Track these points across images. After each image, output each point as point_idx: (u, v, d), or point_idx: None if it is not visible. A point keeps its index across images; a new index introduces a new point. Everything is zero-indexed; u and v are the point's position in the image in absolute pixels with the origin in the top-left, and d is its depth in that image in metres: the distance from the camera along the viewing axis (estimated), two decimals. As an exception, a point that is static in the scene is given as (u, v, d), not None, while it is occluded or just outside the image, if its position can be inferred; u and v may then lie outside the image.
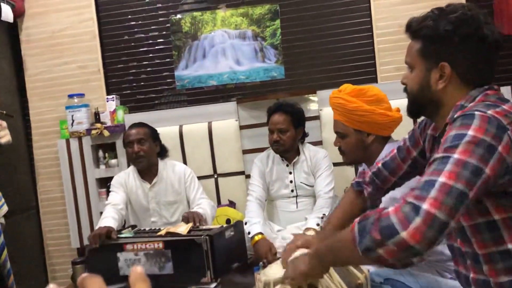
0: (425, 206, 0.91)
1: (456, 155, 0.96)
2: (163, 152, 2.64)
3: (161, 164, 2.59)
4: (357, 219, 1.01)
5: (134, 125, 2.58)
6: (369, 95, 1.81)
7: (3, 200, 2.55)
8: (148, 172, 2.56)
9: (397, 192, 1.65)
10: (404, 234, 0.91)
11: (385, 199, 1.51)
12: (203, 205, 2.47)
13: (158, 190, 2.55)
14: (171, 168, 2.60)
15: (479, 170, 0.95)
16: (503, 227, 1.07)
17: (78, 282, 0.45)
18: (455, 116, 1.05)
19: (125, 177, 2.58)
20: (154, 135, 2.58)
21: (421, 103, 1.20)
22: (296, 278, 1.16)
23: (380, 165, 1.43)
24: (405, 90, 1.23)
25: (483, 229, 1.09)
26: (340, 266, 1.23)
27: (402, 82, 1.24)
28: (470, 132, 0.98)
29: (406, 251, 0.92)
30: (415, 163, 1.36)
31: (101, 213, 2.55)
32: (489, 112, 1.01)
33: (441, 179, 0.94)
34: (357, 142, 1.83)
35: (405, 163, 1.37)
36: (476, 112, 1.01)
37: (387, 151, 1.83)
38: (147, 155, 2.50)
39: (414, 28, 1.17)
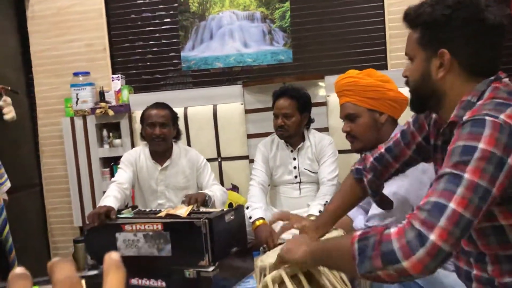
0: (432, 237, 0.88)
1: (467, 175, 0.92)
2: (178, 136, 2.60)
3: (175, 148, 2.55)
4: (357, 234, 0.98)
5: (158, 105, 2.51)
6: (378, 74, 1.82)
7: (6, 176, 2.55)
8: (161, 154, 2.51)
9: (395, 187, 1.61)
10: (405, 264, 0.88)
11: (386, 191, 1.47)
12: (213, 188, 2.45)
13: (169, 173, 2.52)
14: (184, 153, 2.57)
15: (488, 193, 0.92)
16: (510, 232, 1.03)
17: (48, 267, 0.41)
18: (464, 119, 0.99)
19: (136, 156, 2.52)
20: (174, 119, 2.54)
21: (423, 95, 1.14)
22: (288, 261, 1.15)
23: (383, 149, 1.36)
24: (407, 83, 1.18)
25: (489, 232, 1.06)
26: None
27: (403, 75, 1.18)
28: (481, 146, 0.93)
29: (405, 277, 0.91)
30: (419, 149, 1.29)
31: (104, 192, 2.53)
32: (501, 117, 0.95)
33: (452, 205, 0.90)
34: (370, 122, 1.78)
35: (409, 149, 1.31)
36: (486, 118, 0.95)
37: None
38: (167, 139, 2.47)
39: (411, 17, 1.11)
